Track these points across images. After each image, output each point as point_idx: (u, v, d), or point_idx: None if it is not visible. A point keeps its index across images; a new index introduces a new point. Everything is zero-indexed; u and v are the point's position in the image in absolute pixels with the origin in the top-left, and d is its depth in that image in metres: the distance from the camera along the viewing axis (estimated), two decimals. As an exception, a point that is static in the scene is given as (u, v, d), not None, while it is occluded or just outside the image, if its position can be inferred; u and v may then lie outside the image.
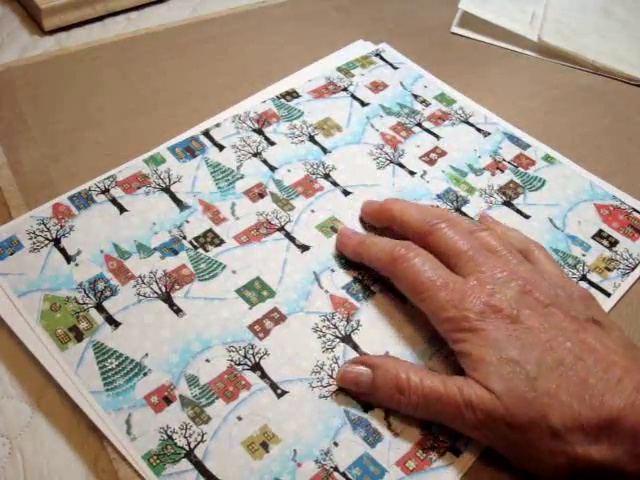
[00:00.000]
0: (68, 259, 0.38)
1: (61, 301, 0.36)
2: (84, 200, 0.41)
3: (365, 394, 0.34)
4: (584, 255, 0.42)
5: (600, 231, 0.43)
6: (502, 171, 0.46)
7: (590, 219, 0.44)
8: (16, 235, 0.39)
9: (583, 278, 0.40)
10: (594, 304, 0.35)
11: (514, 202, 0.44)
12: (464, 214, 0.43)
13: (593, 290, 0.40)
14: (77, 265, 0.38)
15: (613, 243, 0.42)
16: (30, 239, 0.39)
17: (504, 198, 0.44)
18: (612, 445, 0.29)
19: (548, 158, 0.47)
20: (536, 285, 0.34)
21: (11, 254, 0.38)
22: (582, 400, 0.30)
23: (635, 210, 0.44)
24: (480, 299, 0.33)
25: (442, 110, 0.50)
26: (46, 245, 0.38)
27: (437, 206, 0.43)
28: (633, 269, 0.41)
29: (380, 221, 0.41)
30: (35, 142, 0.45)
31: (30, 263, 0.38)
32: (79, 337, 0.35)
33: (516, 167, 0.46)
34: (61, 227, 0.39)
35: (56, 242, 0.39)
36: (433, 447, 0.32)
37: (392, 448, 0.32)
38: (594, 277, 0.41)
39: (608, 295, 0.40)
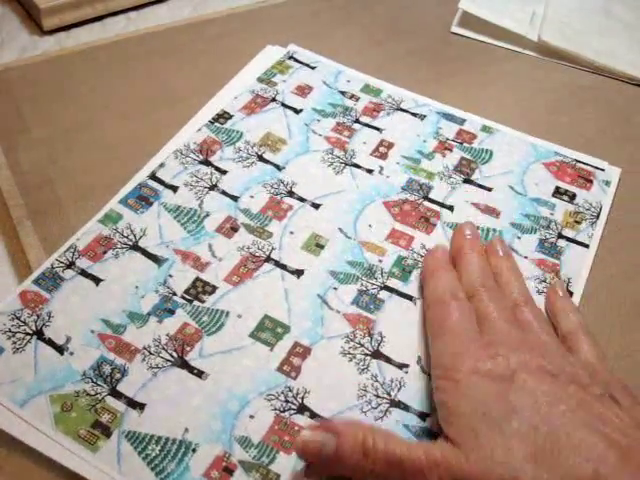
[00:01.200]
0: (59, 350, 0.34)
1: (71, 398, 0.32)
2: (51, 280, 0.37)
3: (327, 464, 0.30)
4: (552, 214, 0.44)
5: (557, 188, 0.45)
6: (450, 150, 0.47)
7: (544, 179, 0.46)
8: (-9, 339, 0.34)
9: (560, 236, 0.42)
10: (629, 393, 0.32)
11: (472, 178, 0.45)
12: (432, 201, 0.44)
13: (572, 245, 0.42)
14: (72, 354, 0.34)
15: (572, 197, 0.45)
16: (9, 339, 0.34)
17: (463, 176, 0.45)
18: None
19: (486, 128, 0.49)
20: (546, 359, 0.31)
21: (-7, 361, 0.33)
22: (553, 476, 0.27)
23: (577, 161, 0.47)
24: (478, 357, 0.31)
25: (373, 102, 0.50)
26: (29, 341, 0.34)
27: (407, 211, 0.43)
28: (598, 217, 0.44)
29: (453, 254, 0.39)
30: (34, 142, 0.45)
31: (19, 366, 0.33)
32: (106, 432, 0.32)
33: (461, 144, 0.48)
34: (38, 317, 0.35)
35: (39, 335, 0.35)
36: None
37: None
38: (568, 233, 0.43)
39: (586, 247, 0.42)
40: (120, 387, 0.33)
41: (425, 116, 0.49)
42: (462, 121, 0.49)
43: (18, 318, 0.35)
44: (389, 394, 0.34)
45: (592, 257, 0.41)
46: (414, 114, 0.49)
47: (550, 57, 0.57)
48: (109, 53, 0.53)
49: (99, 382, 0.33)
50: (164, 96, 0.49)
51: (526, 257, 0.41)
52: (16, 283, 0.38)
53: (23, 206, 0.41)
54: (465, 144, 0.48)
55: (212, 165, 0.44)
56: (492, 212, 0.43)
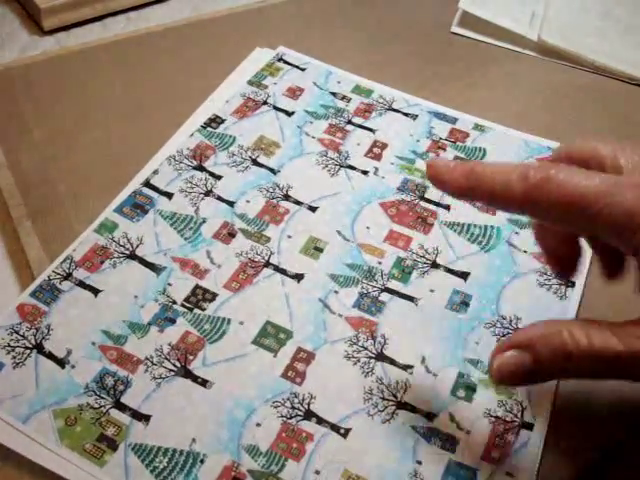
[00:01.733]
0: (61, 363, 0.34)
1: (74, 412, 0.32)
2: (49, 292, 0.36)
3: (529, 380, 0.28)
4: (547, 210, 0.44)
5: (551, 184, 0.45)
6: (444, 149, 0.47)
7: (537, 175, 0.46)
8: (-10, 354, 0.33)
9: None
10: None
11: (467, 176, 0.45)
12: (429, 201, 0.43)
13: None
14: (73, 367, 0.34)
15: (566, 192, 0.45)
16: (8, 354, 0.34)
17: (457, 175, 0.45)
18: None
19: (478, 127, 0.49)
20: None
21: (-7, 377, 0.33)
22: None
23: (570, 156, 0.47)
24: None
25: (364, 102, 0.50)
26: (29, 355, 0.34)
27: (402, 200, 0.43)
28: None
29: (464, 193, 0.30)
30: (34, 142, 0.45)
31: (20, 380, 0.33)
32: (113, 446, 0.31)
33: (454, 142, 0.48)
34: (37, 330, 0.35)
35: (39, 348, 0.34)
36: (507, 430, 0.33)
37: (471, 446, 0.32)
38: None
39: (582, 242, 0.42)
40: (124, 399, 0.33)
41: (417, 116, 0.49)
42: (454, 120, 0.49)
43: (17, 332, 0.34)
44: (395, 396, 0.34)
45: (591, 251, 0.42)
46: (406, 114, 0.49)
47: (550, 57, 0.57)
48: (109, 53, 0.53)
49: (102, 395, 0.33)
50: (165, 96, 0.49)
51: (525, 251, 0.41)
52: (16, 283, 0.38)
53: (23, 206, 0.41)
54: (458, 143, 0.48)
55: (206, 170, 0.44)
56: (489, 209, 0.43)
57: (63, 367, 0.34)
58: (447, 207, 0.43)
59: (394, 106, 0.50)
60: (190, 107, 0.48)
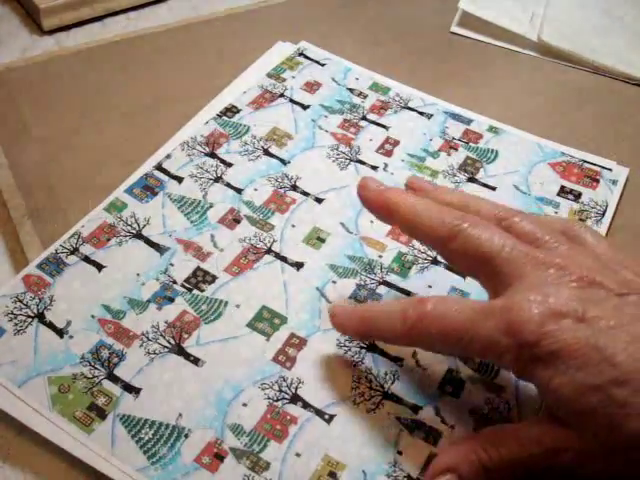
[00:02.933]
0: (60, 333, 0.35)
1: (68, 380, 0.33)
2: (55, 265, 0.37)
3: None
4: (556, 212, 0.43)
5: (562, 187, 0.45)
6: (456, 149, 0.47)
7: (549, 178, 0.46)
8: (-7, 320, 0.35)
9: (562, 236, 0.42)
10: None
11: (477, 177, 0.45)
12: (436, 198, 0.44)
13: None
14: (71, 337, 0.35)
15: (577, 195, 0.45)
16: (10, 321, 0.35)
17: (467, 175, 0.45)
18: None
19: (492, 129, 0.49)
20: (598, 272, 0.28)
21: (-6, 342, 0.34)
22: None
23: (585, 161, 0.47)
24: (534, 311, 0.27)
25: (380, 100, 0.50)
26: (30, 323, 0.35)
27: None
28: (603, 214, 0.43)
29: (382, 217, 0.34)
30: (34, 142, 0.45)
31: (19, 347, 0.34)
32: (102, 415, 0.32)
33: (467, 143, 0.48)
34: (40, 300, 0.36)
35: (40, 317, 0.35)
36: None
37: (453, 440, 0.33)
38: (571, 233, 0.43)
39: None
40: (117, 371, 0.34)
41: (432, 115, 0.49)
42: (469, 121, 0.49)
43: (20, 301, 0.36)
44: (382, 387, 0.34)
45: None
46: (421, 113, 0.50)
47: (550, 57, 0.57)
48: (109, 53, 0.53)
49: (97, 366, 0.34)
50: (164, 96, 0.49)
51: None
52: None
53: (23, 206, 0.41)
54: (471, 144, 0.48)
55: (218, 158, 0.44)
56: (495, 211, 0.43)
57: (62, 337, 0.35)
58: (453, 206, 0.43)
59: (410, 105, 0.50)
60: (189, 107, 0.48)
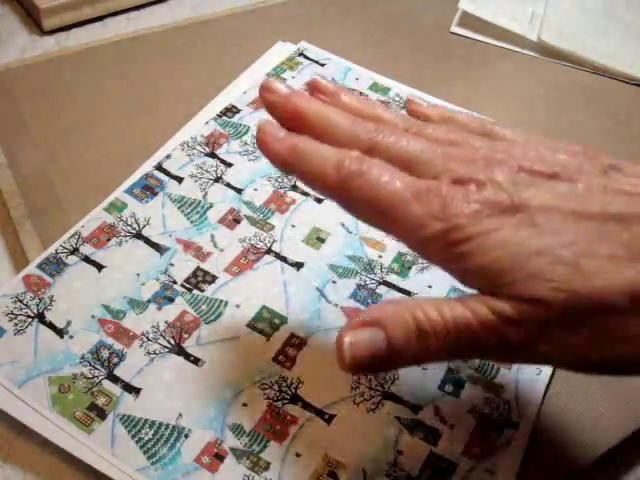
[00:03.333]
0: (60, 333, 0.35)
1: (68, 380, 0.33)
2: (55, 265, 0.37)
3: (381, 362, 0.26)
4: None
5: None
6: (456, 149, 0.47)
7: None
8: (-7, 320, 0.35)
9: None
10: (596, 152, 0.29)
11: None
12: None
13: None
14: (72, 337, 0.35)
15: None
16: (10, 321, 0.35)
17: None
18: None
19: (492, 128, 0.49)
20: (524, 157, 0.27)
21: (-6, 342, 0.34)
22: None
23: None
24: (465, 199, 0.25)
25: (380, 100, 0.50)
26: (30, 324, 0.35)
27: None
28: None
29: (288, 125, 0.29)
30: (34, 142, 0.45)
31: (19, 347, 0.34)
32: (102, 415, 0.32)
33: (467, 143, 0.48)
34: (40, 300, 0.36)
35: (40, 317, 0.35)
36: (491, 428, 0.33)
37: (454, 440, 0.33)
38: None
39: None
40: (117, 371, 0.34)
41: (432, 115, 0.49)
42: (469, 121, 0.49)
43: (21, 301, 0.36)
44: (382, 386, 0.34)
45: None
46: (421, 113, 0.50)
47: (550, 57, 0.57)
48: (109, 53, 0.53)
49: (97, 366, 0.34)
50: (164, 96, 0.49)
51: None
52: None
53: (23, 206, 0.41)
54: (471, 143, 0.48)
55: (218, 158, 0.44)
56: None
57: (62, 337, 0.35)
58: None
59: (410, 104, 0.50)
60: (190, 107, 0.48)
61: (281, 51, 0.54)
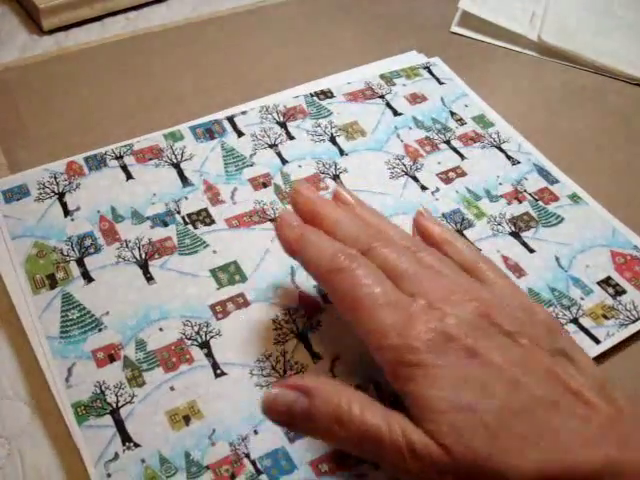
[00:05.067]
0: (66, 213, 0.40)
1: (48, 249, 0.38)
2: (97, 162, 0.43)
3: (296, 425, 0.29)
4: (582, 299, 0.39)
5: (608, 278, 0.40)
6: (520, 202, 0.44)
7: (601, 265, 0.41)
8: (27, 183, 0.41)
9: (574, 321, 0.38)
10: (560, 331, 0.31)
11: (522, 234, 0.42)
12: (466, 237, 0.42)
13: (581, 334, 0.37)
14: (72, 220, 0.40)
15: (619, 292, 0.40)
16: (38, 189, 0.41)
17: (513, 229, 0.42)
18: None
19: (574, 197, 0.45)
20: (494, 307, 0.29)
21: (18, 200, 0.41)
22: (552, 459, 0.26)
23: (654, 264, 0.41)
24: (429, 324, 0.28)
25: (476, 132, 0.49)
26: (50, 197, 0.41)
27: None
28: (634, 322, 0.38)
29: (307, 222, 0.33)
30: (33, 142, 0.45)
31: (32, 210, 0.40)
32: (53, 285, 0.37)
33: (536, 200, 0.44)
34: (69, 183, 0.42)
35: (60, 196, 0.41)
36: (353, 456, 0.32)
37: (311, 448, 0.32)
38: (586, 322, 0.38)
39: (597, 342, 0.37)
40: (87, 259, 0.38)
41: (519, 162, 0.47)
42: (554, 181, 0.46)
43: (55, 178, 0.42)
44: (285, 371, 0.34)
45: (597, 353, 0.37)
46: (509, 157, 0.47)
47: (550, 57, 0.56)
48: (109, 53, 0.53)
49: (75, 248, 0.39)
50: (164, 96, 0.49)
51: None
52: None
53: None
54: (540, 202, 0.44)
55: (286, 128, 0.47)
56: (516, 270, 0.40)
57: (65, 217, 0.40)
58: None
59: (503, 146, 0.48)
60: (190, 107, 0.48)
61: (411, 59, 0.54)
